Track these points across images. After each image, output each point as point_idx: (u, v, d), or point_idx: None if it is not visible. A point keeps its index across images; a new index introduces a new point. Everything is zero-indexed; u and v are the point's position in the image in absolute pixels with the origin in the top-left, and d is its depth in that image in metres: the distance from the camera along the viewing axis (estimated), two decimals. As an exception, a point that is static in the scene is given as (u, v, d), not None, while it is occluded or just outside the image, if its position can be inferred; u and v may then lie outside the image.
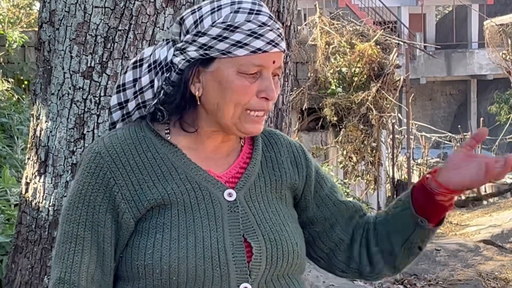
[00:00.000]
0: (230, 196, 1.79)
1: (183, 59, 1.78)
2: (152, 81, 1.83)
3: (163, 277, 1.71)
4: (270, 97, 1.75)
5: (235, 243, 1.74)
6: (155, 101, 1.81)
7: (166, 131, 1.83)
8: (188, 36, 1.78)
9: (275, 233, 1.79)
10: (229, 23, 1.73)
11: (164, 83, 1.81)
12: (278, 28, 1.76)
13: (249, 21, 1.73)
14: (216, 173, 1.82)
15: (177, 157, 1.80)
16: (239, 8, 1.75)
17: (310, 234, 1.97)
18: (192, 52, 1.76)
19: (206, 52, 1.75)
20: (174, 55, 1.80)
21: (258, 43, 1.72)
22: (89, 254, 1.75)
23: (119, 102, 1.88)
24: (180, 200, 1.76)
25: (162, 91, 1.80)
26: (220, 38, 1.73)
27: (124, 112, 1.88)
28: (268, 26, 1.74)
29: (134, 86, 1.85)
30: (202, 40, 1.75)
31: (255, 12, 1.74)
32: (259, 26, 1.73)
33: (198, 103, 1.79)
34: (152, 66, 1.84)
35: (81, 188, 1.77)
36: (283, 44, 1.77)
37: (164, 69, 1.82)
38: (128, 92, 1.86)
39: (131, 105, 1.86)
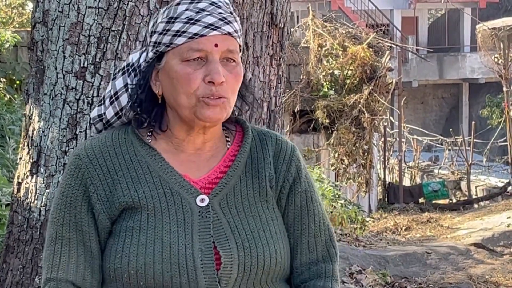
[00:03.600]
0: (202, 202, 1.77)
1: (144, 61, 1.81)
2: (126, 85, 1.85)
3: (131, 281, 1.71)
4: (214, 80, 1.72)
5: (204, 250, 1.72)
6: (129, 104, 1.82)
7: (148, 135, 1.83)
8: (148, 38, 1.81)
9: (251, 240, 1.75)
10: (170, 15, 1.75)
11: (133, 85, 1.82)
12: (220, 13, 1.76)
13: (187, 10, 1.74)
14: (193, 178, 1.80)
15: (155, 160, 1.79)
16: (181, 0, 1.77)
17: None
18: (149, 52, 1.79)
19: (157, 49, 1.77)
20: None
21: (195, 29, 1.73)
22: (76, 254, 1.76)
23: (99, 114, 1.89)
24: (150, 204, 1.75)
25: (135, 95, 1.81)
26: (164, 32, 1.75)
27: (104, 122, 1.89)
28: (207, 11, 1.74)
29: (110, 92, 1.87)
30: (154, 38, 1.78)
31: (196, 1, 1.76)
32: (197, 12, 1.74)
33: (161, 102, 1.80)
34: (125, 69, 1.85)
35: (63, 191, 1.79)
36: (227, 27, 1.76)
37: (137, 71, 1.83)
38: (107, 102, 1.88)
39: (109, 113, 1.87)
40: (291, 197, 1.88)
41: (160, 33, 1.76)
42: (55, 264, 1.76)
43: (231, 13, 1.79)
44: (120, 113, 1.86)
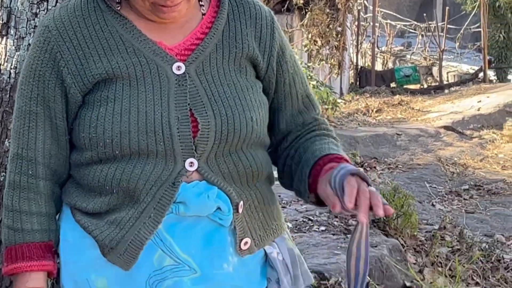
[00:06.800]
0: (179, 70, 1.74)
1: None
2: None
3: (107, 150, 1.70)
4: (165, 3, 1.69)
5: (181, 117, 1.71)
6: None
7: (117, 1, 1.78)
8: None
9: (227, 108, 1.74)
10: None
11: None
12: None
13: None
14: (168, 45, 1.76)
15: (126, 29, 1.75)
16: None
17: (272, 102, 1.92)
18: None
19: None
20: None
21: None
22: (43, 129, 1.76)
23: None
24: (125, 73, 1.72)
25: None
26: None
27: None
28: None
29: None
30: None
31: None
32: None
33: None
34: None
35: (31, 63, 1.76)
36: None
37: None
38: None
39: None
40: (284, 65, 1.88)
41: None
42: (24, 141, 1.76)
43: None
44: None
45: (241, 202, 1.77)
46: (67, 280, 1.81)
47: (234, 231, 1.77)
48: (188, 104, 1.72)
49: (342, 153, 1.83)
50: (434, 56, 19.73)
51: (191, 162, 1.71)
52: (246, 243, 1.79)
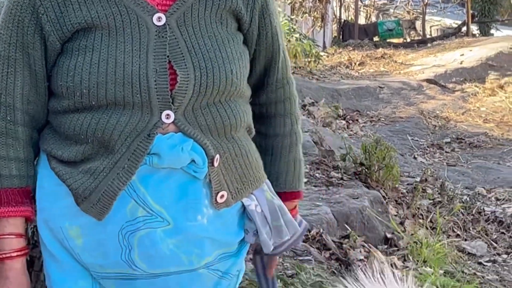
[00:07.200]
0: (159, 21, 1.70)
1: None
2: None
3: (83, 100, 1.68)
4: None
5: (159, 70, 1.68)
6: None
7: None
8: None
9: (207, 60, 1.71)
10: None
11: None
12: None
13: None
14: None
15: None
16: None
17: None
18: None
19: None
20: None
21: None
22: (22, 75, 1.73)
23: None
24: (104, 23, 1.69)
25: None
26: None
27: None
28: None
29: None
30: None
31: None
32: None
33: None
34: None
35: (11, 8, 1.72)
36: None
37: None
38: None
39: None
40: (267, 18, 1.85)
41: None
42: (2, 86, 1.74)
43: None
44: None
45: (217, 156, 1.75)
46: (42, 227, 1.79)
47: (210, 184, 1.75)
48: (167, 56, 1.69)
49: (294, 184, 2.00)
50: (418, 10, 19.67)
51: (168, 114, 1.69)
52: (222, 196, 1.77)
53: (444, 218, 5.11)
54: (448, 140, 7.68)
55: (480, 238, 5.08)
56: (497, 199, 5.94)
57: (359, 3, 18.19)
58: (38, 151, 1.82)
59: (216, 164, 1.75)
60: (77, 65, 1.68)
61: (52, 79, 1.75)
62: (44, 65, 1.74)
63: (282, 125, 1.97)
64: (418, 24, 18.92)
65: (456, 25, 18.31)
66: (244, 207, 1.85)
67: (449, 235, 4.97)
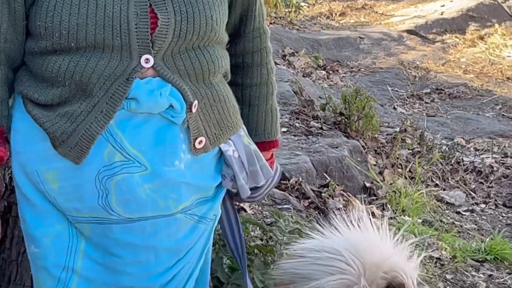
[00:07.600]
0: None
1: None
2: None
3: (62, 41, 1.67)
4: None
5: (140, 13, 1.67)
6: None
7: None
8: None
9: (188, 5, 1.71)
10: None
11: None
12: None
13: None
14: None
15: None
16: None
17: None
18: None
19: None
20: None
21: None
22: (1, 13, 1.70)
23: None
24: None
25: None
26: None
27: None
28: None
29: None
30: None
31: None
32: None
33: None
34: None
35: None
36: None
37: None
38: None
39: None
40: None
41: None
42: None
43: None
44: None
45: (195, 102, 1.75)
46: (17, 171, 1.79)
47: (188, 129, 1.76)
48: (149, 0, 1.68)
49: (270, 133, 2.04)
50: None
51: (147, 59, 1.68)
52: (200, 142, 1.78)
53: (423, 168, 5.13)
54: (428, 90, 7.68)
55: (458, 188, 5.11)
56: (476, 149, 5.96)
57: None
58: (12, 91, 1.80)
59: (194, 109, 1.75)
60: (56, 5, 1.66)
61: (30, 18, 1.72)
62: (24, 3, 1.71)
63: (258, 74, 1.98)
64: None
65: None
66: (221, 152, 1.86)
67: (428, 185, 5.00)
